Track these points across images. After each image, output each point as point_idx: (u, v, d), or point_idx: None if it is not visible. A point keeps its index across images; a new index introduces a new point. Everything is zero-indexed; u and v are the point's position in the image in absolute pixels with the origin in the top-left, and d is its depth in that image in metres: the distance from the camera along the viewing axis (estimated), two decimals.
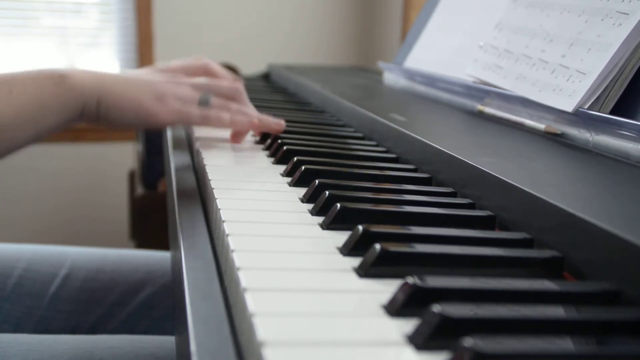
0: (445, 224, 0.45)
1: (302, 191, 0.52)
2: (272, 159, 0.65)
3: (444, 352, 0.28)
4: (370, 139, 0.73)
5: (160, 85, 0.65)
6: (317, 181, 0.51)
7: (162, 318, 0.81)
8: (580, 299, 0.34)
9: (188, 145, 0.76)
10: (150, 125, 0.65)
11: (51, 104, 0.60)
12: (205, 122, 0.65)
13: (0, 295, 0.79)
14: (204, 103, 0.66)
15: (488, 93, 0.77)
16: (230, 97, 0.70)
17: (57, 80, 0.60)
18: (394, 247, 0.37)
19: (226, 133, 0.75)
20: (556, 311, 0.31)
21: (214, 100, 0.67)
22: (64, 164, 2.60)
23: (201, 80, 0.69)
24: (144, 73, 0.69)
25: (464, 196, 0.51)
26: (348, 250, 0.39)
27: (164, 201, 1.80)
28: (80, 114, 0.62)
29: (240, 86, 0.72)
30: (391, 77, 1.13)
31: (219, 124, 0.66)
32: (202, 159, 0.61)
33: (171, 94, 0.64)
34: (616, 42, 0.58)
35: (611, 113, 0.58)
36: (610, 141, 0.56)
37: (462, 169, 0.51)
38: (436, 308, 0.29)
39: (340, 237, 0.42)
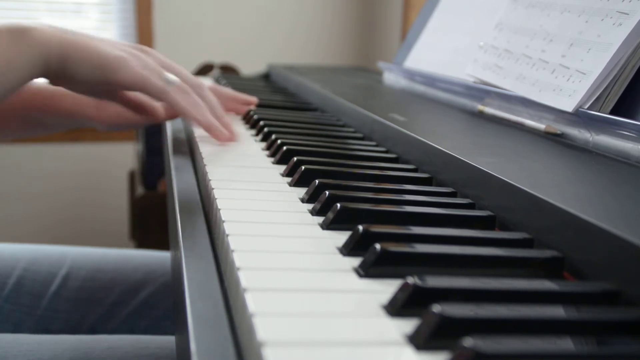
0: (445, 224, 0.45)
1: (302, 191, 0.52)
2: (272, 159, 0.65)
3: (444, 352, 0.28)
4: (370, 139, 0.73)
5: (127, 48, 0.64)
6: (317, 181, 0.51)
7: (162, 318, 0.81)
8: (580, 299, 0.34)
9: (188, 145, 0.76)
10: (110, 82, 0.62)
11: (12, 59, 0.57)
12: (164, 96, 0.64)
13: (0, 295, 0.79)
14: (168, 80, 0.65)
15: (488, 93, 0.77)
16: (194, 89, 0.69)
17: (18, 34, 0.57)
18: (394, 247, 0.37)
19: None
20: (556, 311, 0.31)
21: (179, 84, 0.66)
22: (64, 164, 2.60)
23: (168, 63, 0.68)
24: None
25: (464, 196, 0.51)
26: (348, 250, 0.39)
27: (164, 201, 1.80)
28: (44, 70, 0.60)
29: (203, 83, 0.71)
30: (391, 77, 1.13)
31: (175, 104, 0.65)
32: (202, 159, 0.61)
33: (138, 58, 0.63)
34: (616, 42, 0.58)
35: (611, 113, 0.58)
36: (610, 141, 0.56)
37: (462, 169, 0.51)
38: (436, 308, 0.29)
39: (340, 237, 0.42)
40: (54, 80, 0.62)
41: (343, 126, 0.82)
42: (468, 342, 0.26)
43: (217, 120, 0.70)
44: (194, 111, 0.66)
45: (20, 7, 2.49)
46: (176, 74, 0.67)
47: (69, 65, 0.60)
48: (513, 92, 0.71)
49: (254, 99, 0.90)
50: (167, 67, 0.67)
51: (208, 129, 0.68)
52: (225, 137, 0.70)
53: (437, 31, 1.02)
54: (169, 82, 0.64)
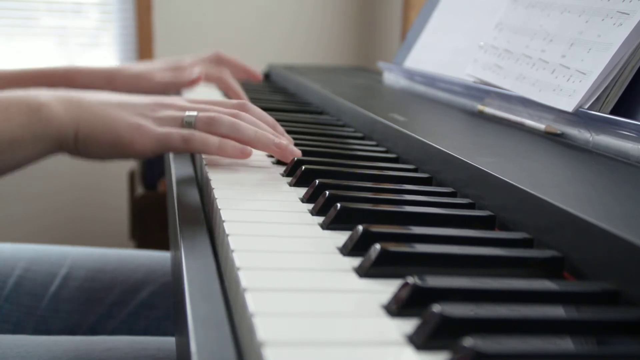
0: (445, 224, 0.45)
1: (302, 191, 0.52)
2: (272, 159, 0.65)
3: (444, 352, 0.28)
4: (370, 139, 0.73)
5: (141, 109, 0.59)
6: (317, 181, 0.51)
7: (162, 318, 0.81)
8: (580, 299, 0.34)
9: None
10: (129, 155, 0.59)
11: (22, 136, 0.55)
12: (188, 145, 0.57)
13: (0, 295, 0.79)
14: (187, 125, 0.58)
15: (488, 93, 0.77)
16: (236, 107, 0.62)
17: (31, 111, 0.55)
18: (394, 247, 0.37)
19: None
20: (556, 311, 0.31)
21: (199, 118, 0.59)
22: (64, 164, 2.59)
23: (200, 100, 0.62)
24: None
25: (464, 196, 0.51)
26: (348, 250, 0.39)
27: (164, 201, 1.80)
28: (59, 147, 0.58)
29: (245, 102, 0.64)
30: (391, 77, 1.13)
31: (203, 150, 0.58)
32: (202, 159, 0.61)
33: (152, 117, 0.58)
34: (616, 42, 0.58)
35: (611, 113, 0.58)
36: (610, 141, 0.56)
37: (462, 169, 0.51)
38: (436, 308, 0.29)
39: (340, 237, 0.42)
40: (72, 155, 0.60)
41: (343, 126, 0.82)
42: (468, 342, 0.26)
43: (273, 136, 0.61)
44: (223, 154, 0.59)
45: (20, 7, 2.49)
46: (208, 109, 0.61)
47: (84, 145, 0.58)
48: (513, 92, 0.71)
49: (258, 74, 0.91)
50: (191, 109, 0.61)
51: (246, 156, 0.60)
52: (294, 154, 0.60)
53: (437, 31, 1.02)
54: (188, 123, 0.58)
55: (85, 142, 0.58)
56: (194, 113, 0.59)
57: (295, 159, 0.59)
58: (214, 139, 0.58)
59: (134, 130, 0.57)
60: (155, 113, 0.59)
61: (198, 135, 0.58)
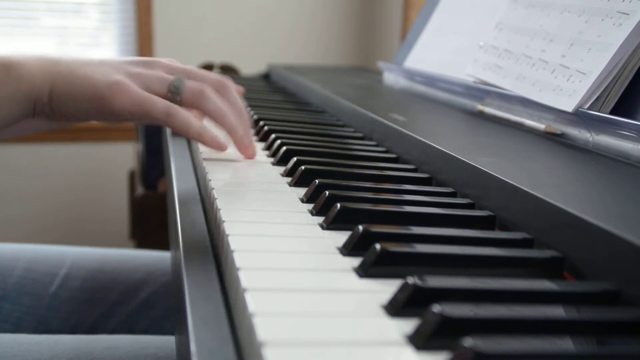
0: (445, 224, 0.45)
1: (302, 191, 0.52)
2: (272, 159, 0.65)
3: (444, 352, 0.28)
4: (370, 139, 0.73)
5: (123, 66, 0.56)
6: (317, 181, 0.51)
7: (162, 318, 0.81)
8: (580, 299, 0.34)
9: (188, 145, 0.76)
10: (105, 115, 0.55)
11: None
12: (169, 119, 0.55)
13: (0, 295, 0.79)
14: (174, 90, 0.55)
15: (488, 93, 0.77)
16: (215, 86, 0.59)
17: (4, 69, 0.53)
18: (394, 247, 0.37)
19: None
20: (556, 311, 0.31)
21: (188, 88, 0.56)
22: (64, 164, 2.60)
23: (183, 65, 0.59)
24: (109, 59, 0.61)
25: (464, 196, 0.51)
26: (348, 250, 0.40)
27: (164, 201, 1.80)
28: (33, 107, 0.55)
29: (227, 81, 0.61)
30: (391, 77, 1.13)
31: (185, 127, 0.55)
32: (202, 159, 0.61)
33: (135, 77, 0.55)
34: (616, 42, 0.58)
35: (611, 113, 0.58)
36: (610, 141, 0.56)
37: (462, 169, 0.51)
38: (436, 308, 0.29)
39: (340, 237, 0.42)
40: (49, 117, 0.56)
41: (343, 126, 0.82)
42: (468, 342, 0.26)
43: (244, 130, 0.60)
44: (202, 139, 0.58)
45: (20, 7, 2.49)
46: (190, 75, 0.58)
47: (58, 101, 0.54)
48: (513, 92, 0.71)
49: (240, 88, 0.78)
50: (179, 73, 0.58)
51: (237, 143, 0.59)
52: (250, 154, 0.61)
53: (437, 31, 1.02)
54: (175, 90, 0.56)
55: (60, 99, 0.54)
56: (184, 80, 0.56)
57: (295, 159, 0.59)
58: (196, 124, 0.56)
59: (114, 85, 0.53)
60: (140, 70, 0.56)
61: (182, 113, 0.55)
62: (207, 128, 0.58)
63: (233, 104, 0.60)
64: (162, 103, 0.55)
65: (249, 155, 0.61)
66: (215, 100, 0.57)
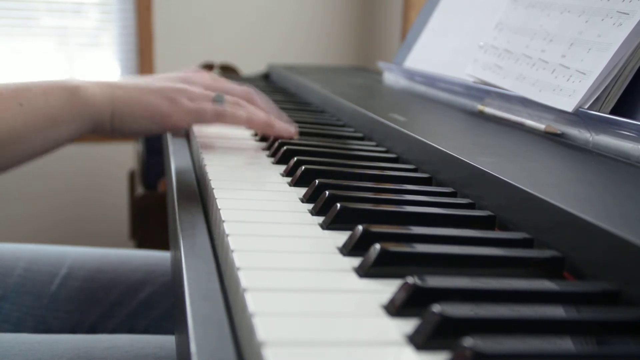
0: (445, 224, 0.45)
1: (302, 191, 0.52)
2: (272, 159, 0.65)
3: (444, 352, 0.28)
4: (370, 139, 0.73)
5: (171, 87, 0.65)
6: (317, 181, 0.51)
7: (161, 318, 0.81)
8: (580, 299, 0.34)
9: (188, 145, 0.76)
10: (167, 129, 0.65)
11: (62, 117, 0.59)
12: (220, 118, 0.65)
13: (0, 295, 0.79)
14: (218, 100, 0.66)
15: (488, 93, 0.77)
16: (243, 98, 0.69)
17: (69, 93, 0.59)
18: (394, 247, 0.37)
19: (226, 132, 0.75)
20: (556, 311, 0.31)
21: (227, 98, 0.66)
22: (64, 164, 2.60)
23: (213, 82, 0.69)
24: (151, 79, 0.68)
25: (464, 196, 0.51)
26: (348, 250, 0.39)
27: (164, 201, 1.80)
28: (93, 128, 0.62)
29: (251, 90, 0.72)
30: (391, 77, 1.13)
31: (234, 120, 0.65)
32: (202, 158, 0.61)
33: (183, 94, 0.64)
34: (616, 42, 0.58)
35: (611, 113, 0.58)
36: (610, 141, 0.56)
37: (462, 169, 0.51)
38: (436, 308, 0.29)
39: (340, 237, 0.42)
40: (107, 134, 0.64)
41: (343, 126, 0.82)
42: (468, 342, 0.26)
43: (277, 119, 0.69)
44: (252, 124, 0.67)
45: (20, 7, 2.49)
46: (223, 90, 0.68)
47: (120, 122, 0.62)
48: (513, 92, 0.71)
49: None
50: (212, 87, 0.68)
51: (274, 132, 0.68)
52: (290, 133, 0.69)
53: (437, 31, 1.02)
54: (218, 100, 0.65)
55: (123, 120, 0.62)
56: (222, 95, 0.66)
57: (295, 159, 0.59)
58: (242, 114, 0.66)
59: (171, 103, 0.63)
60: (185, 87, 0.65)
61: (228, 111, 0.65)
62: (253, 113, 0.67)
63: (264, 105, 0.71)
64: (210, 109, 0.64)
65: (292, 133, 0.69)
66: (249, 108, 0.67)
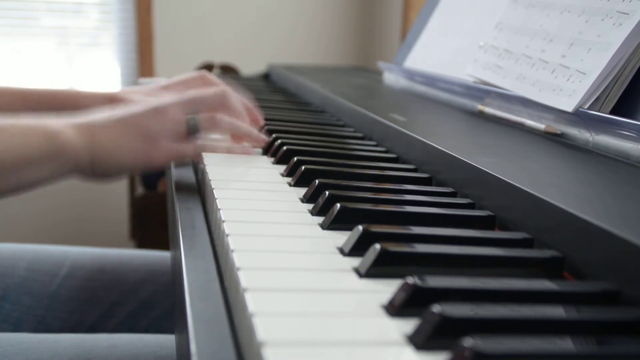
0: (445, 224, 0.45)
1: (302, 191, 0.52)
2: (272, 159, 0.65)
3: (444, 352, 0.28)
4: (370, 139, 0.73)
5: (148, 126, 0.63)
6: (317, 181, 0.51)
7: (161, 317, 0.81)
8: (580, 299, 0.34)
9: None
10: (148, 169, 0.64)
11: (38, 160, 0.58)
12: (200, 156, 0.65)
13: (0, 295, 0.79)
14: (193, 131, 0.64)
15: (488, 93, 0.77)
16: (218, 105, 0.67)
17: (48, 138, 0.58)
18: (394, 247, 0.37)
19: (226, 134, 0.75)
20: (556, 311, 0.31)
21: (202, 121, 0.64)
22: None
23: (184, 96, 0.67)
24: (133, 107, 0.65)
25: (464, 196, 0.51)
26: (348, 250, 0.39)
27: (164, 201, 1.80)
28: (75, 172, 0.61)
29: (225, 90, 0.69)
30: (391, 77, 1.13)
31: (214, 151, 0.66)
32: (202, 159, 0.61)
33: (161, 133, 0.63)
34: (616, 42, 0.58)
35: (611, 113, 0.58)
36: (610, 141, 0.56)
37: (462, 169, 0.51)
38: (436, 308, 0.29)
39: (340, 237, 0.42)
40: (86, 177, 0.63)
41: (343, 126, 0.82)
42: (468, 342, 0.26)
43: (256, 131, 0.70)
44: (233, 152, 0.67)
45: (20, 7, 2.49)
46: (197, 101, 0.66)
47: (102, 167, 0.61)
48: (513, 92, 0.71)
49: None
50: (186, 106, 0.65)
51: (248, 152, 0.69)
52: (264, 143, 0.70)
53: (437, 31, 1.02)
54: (194, 131, 0.64)
55: (101, 166, 0.61)
56: (196, 117, 0.64)
57: (295, 159, 0.59)
58: (222, 146, 0.66)
59: (151, 148, 0.61)
60: (162, 126, 0.63)
61: (208, 146, 0.65)
62: (231, 144, 0.68)
63: (238, 109, 0.68)
64: (190, 148, 0.63)
65: (263, 143, 0.70)
66: (226, 120, 0.66)
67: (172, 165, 0.66)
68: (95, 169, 0.61)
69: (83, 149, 0.59)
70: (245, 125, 0.69)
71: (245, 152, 0.68)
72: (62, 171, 0.60)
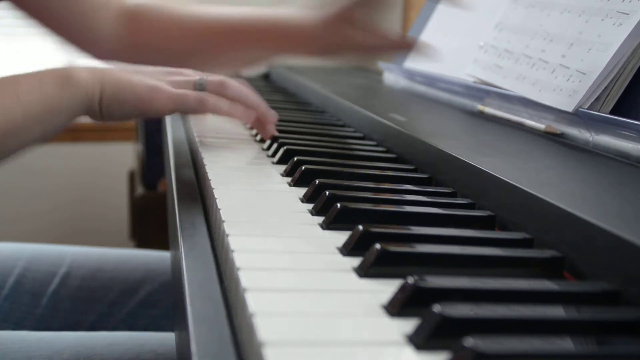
0: (445, 224, 0.45)
1: (302, 191, 0.52)
2: (272, 159, 0.65)
3: (444, 352, 0.28)
4: (370, 139, 0.73)
5: (155, 73, 0.66)
6: (317, 181, 0.51)
7: (161, 317, 0.81)
8: (580, 299, 0.34)
9: (188, 145, 0.76)
10: (149, 114, 0.65)
11: (58, 105, 0.61)
12: (202, 106, 0.65)
13: (0, 294, 0.79)
14: (200, 87, 0.66)
15: (488, 93, 0.77)
16: (221, 86, 0.68)
17: (63, 80, 0.61)
18: (394, 247, 0.37)
19: (227, 132, 0.75)
20: (556, 311, 0.31)
21: (211, 82, 0.67)
22: (64, 164, 2.60)
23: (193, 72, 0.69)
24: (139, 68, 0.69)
25: (464, 196, 0.51)
26: (348, 250, 0.39)
27: (164, 201, 1.80)
28: (85, 111, 0.64)
29: (229, 80, 0.70)
30: (391, 77, 1.13)
31: (215, 110, 0.65)
32: (202, 158, 0.61)
33: (167, 81, 0.65)
34: (616, 42, 0.58)
35: (611, 113, 0.58)
36: (610, 141, 0.56)
37: (462, 169, 0.51)
38: (436, 308, 0.29)
39: (340, 237, 0.42)
40: (97, 118, 0.65)
41: (343, 126, 0.82)
42: (468, 342, 0.26)
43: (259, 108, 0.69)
44: (233, 115, 0.67)
45: None
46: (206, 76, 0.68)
47: (107, 107, 0.63)
48: (513, 92, 0.71)
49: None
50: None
51: (251, 122, 0.68)
52: (272, 130, 0.69)
53: (437, 31, 1.02)
54: (200, 87, 0.66)
55: (109, 104, 0.63)
56: (205, 77, 0.66)
57: (295, 159, 0.59)
58: (225, 104, 0.65)
59: (152, 91, 0.63)
60: (169, 77, 0.66)
61: (211, 98, 0.65)
62: (235, 105, 0.66)
63: (237, 92, 0.69)
64: (193, 95, 0.64)
65: (271, 132, 0.69)
66: (235, 85, 0.67)
67: (172, 164, 0.66)
68: (102, 107, 0.63)
69: (93, 86, 0.62)
70: (254, 95, 0.68)
71: (247, 118, 0.67)
72: (78, 111, 0.62)
